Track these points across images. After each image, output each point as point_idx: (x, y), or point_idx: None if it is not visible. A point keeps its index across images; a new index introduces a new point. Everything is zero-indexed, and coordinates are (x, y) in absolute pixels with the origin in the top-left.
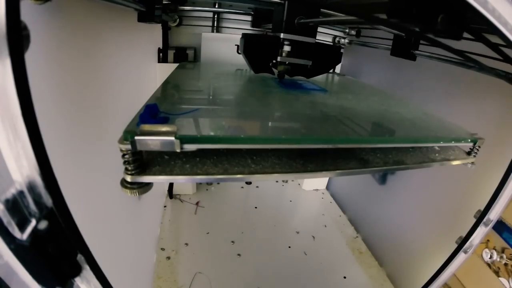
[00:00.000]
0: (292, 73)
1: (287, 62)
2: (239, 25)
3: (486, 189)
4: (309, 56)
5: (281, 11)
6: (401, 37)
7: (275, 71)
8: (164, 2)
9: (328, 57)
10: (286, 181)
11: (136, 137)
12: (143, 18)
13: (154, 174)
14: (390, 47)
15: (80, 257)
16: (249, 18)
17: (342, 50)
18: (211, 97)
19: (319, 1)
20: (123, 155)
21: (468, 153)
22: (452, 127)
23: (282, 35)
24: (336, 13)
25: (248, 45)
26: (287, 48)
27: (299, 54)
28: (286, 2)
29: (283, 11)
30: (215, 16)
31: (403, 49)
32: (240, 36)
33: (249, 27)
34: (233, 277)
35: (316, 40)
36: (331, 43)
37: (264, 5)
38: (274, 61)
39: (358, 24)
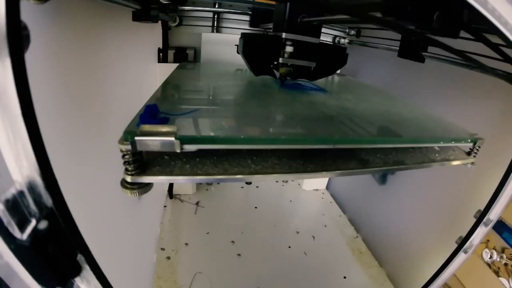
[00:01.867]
0: (295, 76)
1: (289, 64)
2: (239, 25)
3: (486, 189)
4: (312, 58)
5: (282, 9)
6: (409, 38)
7: (277, 73)
8: (164, 2)
9: (332, 58)
10: (286, 181)
11: (136, 138)
12: (138, 17)
13: (154, 174)
14: (390, 47)
15: (80, 257)
16: (249, 18)
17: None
18: (211, 98)
19: (320, 1)
20: (123, 156)
21: (468, 153)
22: (452, 127)
23: (284, 35)
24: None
25: (248, 45)
26: (289, 48)
27: (302, 55)
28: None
29: (285, 9)
30: (215, 16)
31: (412, 50)
32: (240, 36)
33: (249, 28)
34: (233, 277)
35: (320, 41)
36: (332, 43)
37: (263, 5)
38: (275, 63)
39: (360, 24)
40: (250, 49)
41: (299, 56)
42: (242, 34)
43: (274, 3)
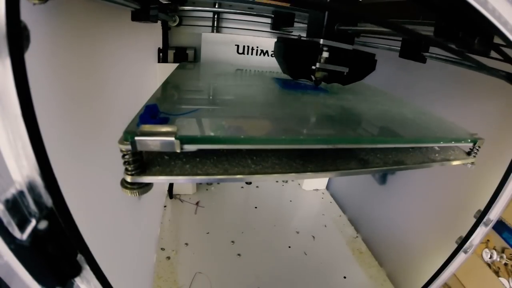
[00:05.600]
0: (329, 80)
1: (326, 69)
2: (239, 25)
3: (486, 189)
4: (346, 63)
5: (320, 16)
6: (411, 39)
7: (312, 77)
8: (164, 2)
9: (364, 64)
10: (286, 181)
11: (136, 138)
12: (137, 17)
13: (154, 174)
14: (391, 47)
15: (80, 257)
16: (249, 18)
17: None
18: (211, 97)
19: (363, 14)
20: (123, 156)
21: (468, 153)
22: (452, 127)
23: (321, 41)
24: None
25: (288, 50)
26: (325, 54)
27: (337, 60)
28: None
29: (323, 17)
30: (215, 16)
31: (413, 51)
32: (276, 40)
33: (249, 27)
34: (233, 277)
35: (353, 47)
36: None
37: (286, 9)
38: (313, 68)
39: (396, 36)
40: (290, 54)
41: (334, 61)
42: (279, 38)
43: (281, 4)
